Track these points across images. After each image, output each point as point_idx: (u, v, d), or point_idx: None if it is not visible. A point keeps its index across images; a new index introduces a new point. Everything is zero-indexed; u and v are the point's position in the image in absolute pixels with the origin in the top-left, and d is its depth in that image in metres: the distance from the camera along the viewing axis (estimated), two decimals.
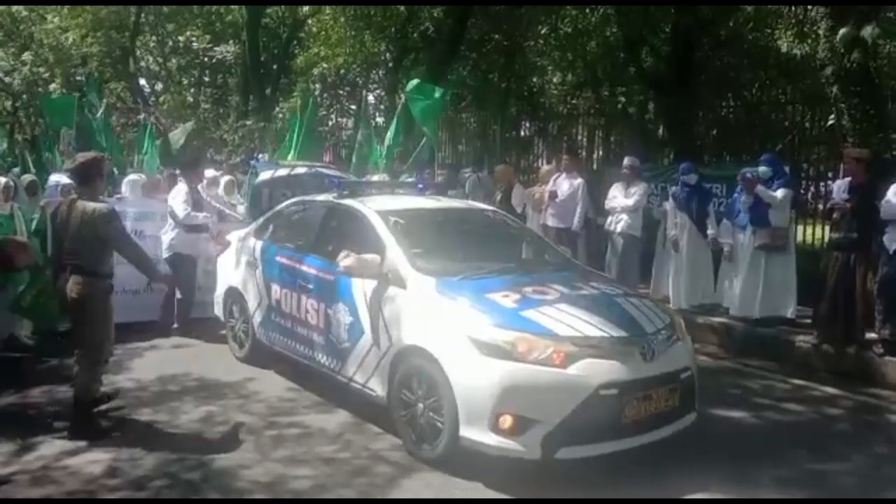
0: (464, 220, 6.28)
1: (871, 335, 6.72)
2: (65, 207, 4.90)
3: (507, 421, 4.06)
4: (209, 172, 8.70)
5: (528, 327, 4.25)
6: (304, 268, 5.67)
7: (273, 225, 6.58)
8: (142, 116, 18.20)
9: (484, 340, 4.19)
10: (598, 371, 4.12)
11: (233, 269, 6.72)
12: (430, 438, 4.41)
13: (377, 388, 4.88)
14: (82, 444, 4.65)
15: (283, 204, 6.83)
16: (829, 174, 10.59)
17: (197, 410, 5.36)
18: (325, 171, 8.98)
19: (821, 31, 7.91)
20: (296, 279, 5.73)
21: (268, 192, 8.44)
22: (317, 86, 19.78)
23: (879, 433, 5.36)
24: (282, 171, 8.68)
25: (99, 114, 10.81)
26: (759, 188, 7.54)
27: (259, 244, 6.41)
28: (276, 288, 5.99)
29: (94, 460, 4.42)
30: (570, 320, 4.34)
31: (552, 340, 4.17)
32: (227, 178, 9.39)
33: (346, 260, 4.89)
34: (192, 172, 7.75)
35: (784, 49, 11.77)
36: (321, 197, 6.40)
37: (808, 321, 7.33)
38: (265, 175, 8.68)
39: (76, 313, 4.86)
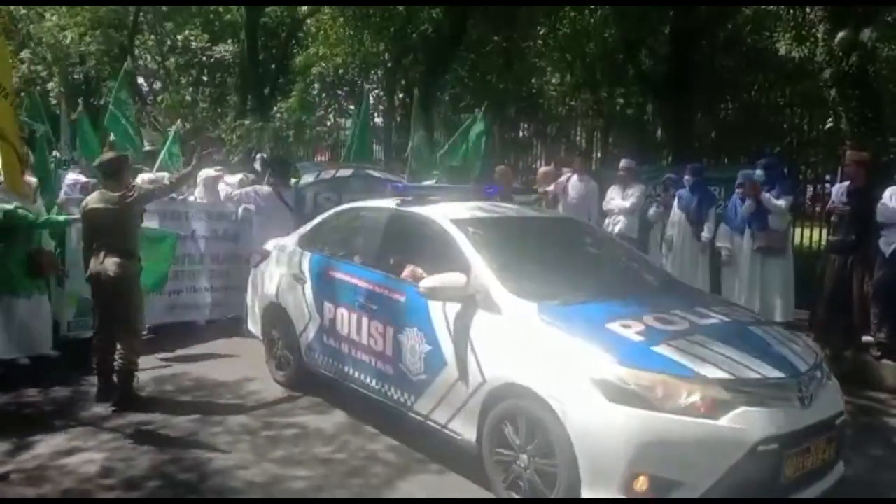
0: (547, 231, 5.50)
1: (868, 338, 6.72)
2: (95, 197, 5.39)
3: (643, 483, 3.39)
4: (206, 172, 8.26)
5: (665, 367, 3.53)
6: (366, 285, 4.96)
7: (322, 234, 5.91)
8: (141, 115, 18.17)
9: (612, 383, 3.48)
10: (755, 422, 3.42)
11: (273, 282, 5.98)
12: (537, 495, 3.76)
13: (462, 429, 4.19)
14: (78, 443, 4.65)
15: (334, 211, 6.14)
16: (827, 177, 10.62)
17: (193, 410, 5.34)
18: (373, 172, 8.44)
19: (819, 34, 7.91)
20: (355, 298, 5.02)
21: (311, 195, 7.88)
22: (315, 85, 19.75)
23: (877, 436, 5.36)
24: (326, 174, 8.13)
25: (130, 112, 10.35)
26: (764, 195, 7.51)
27: (306, 255, 5.71)
28: (329, 306, 5.29)
29: (89, 460, 4.42)
30: (714, 357, 3.63)
31: (698, 384, 3.46)
32: (236, 177, 8.95)
33: (428, 280, 4.25)
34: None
35: (783, 52, 11.75)
36: (381, 203, 5.62)
37: (806, 324, 7.33)
38: (308, 178, 8.11)
39: (115, 291, 5.24)
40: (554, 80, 19.41)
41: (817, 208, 10.15)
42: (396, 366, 4.65)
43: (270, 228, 7.02)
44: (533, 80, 18.58)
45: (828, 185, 9.93)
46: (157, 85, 24.39)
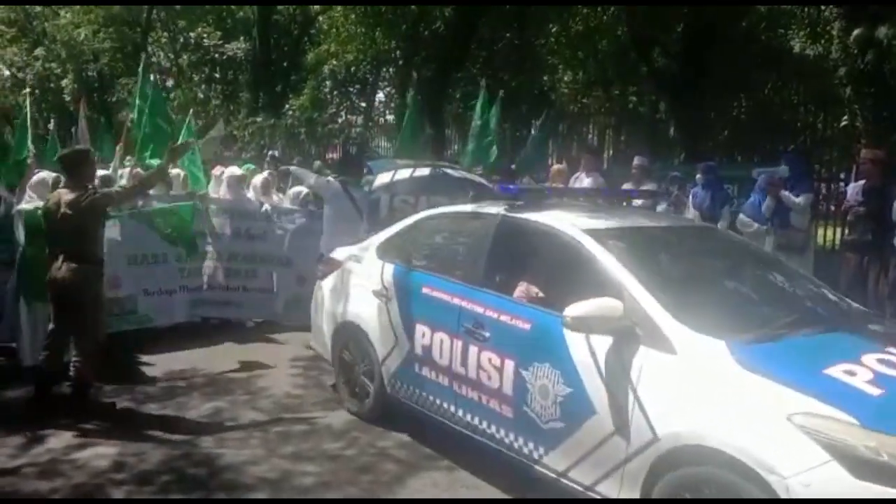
0: (692, 244, 4.60)
1: None
2: (53, 197, 5.07)
3: None
4: (232, 171, 8.02)
5: None
6: (474, 307, 4.17)
7: (408, 243, 5.09)
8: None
9: (857, 453, 2.70)
10: None
11: (347, 298, 5.22)
12: None
13: (617, 495, 3.41)
14: (90, 437, 4.67)
15: (422, 216, 5.25)
16: (842, 175, 10.53)
17: (204, 406, 5.36)
18: (451, 172, 7.58)
19: (834, 32, 7.86)
20: (459, 322, 4.22)
21: (387, 199, 7.03)
22: (327, 83, 19.79)
23: None
24: (402, 173, 7.21)
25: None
26: (783, 193, 7.42)
27: (389, 268, 4.93)
28: (422, 330, 4.50)
29: (101, 454, 4.44)
30: None
31: None
32: (261, 176, 8.47)
33: (576, 309, 3.43)
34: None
35: (797, 49, 11.71)
36: (484, 208, 4.75)
37: None
38: (384, 178, 7.18)
39: (70, 300, 4.95)
40: (566, 78, 19.37)
41: (832, 207, 10.06)
42: (519, 409, 3.85)
43: (337, 233, 6.58)
44: (545, 78, 18.55)
45: (842, 184, 9.86)
46: (170, 82, 24.50)
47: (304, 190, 7.91)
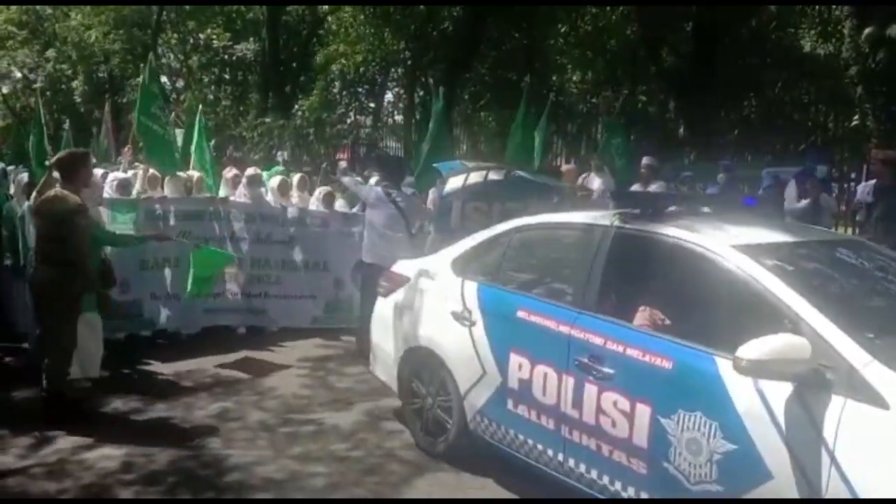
0: (868, 264, 3.75)
1: None
2: (47, 199, 4.98)
3: None
4: (250, 170, 7.85)
5: None
6: (592, 338, 3.50)
7: (496, 258, 4.41)
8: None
9: None
10: None
11: (420, 319, 4.60)
12: None
13: None
14: (98, 438, 4.68)
15: (509, 226, 4.51)
16: (853, 175, 10.47)
17: (212, 406, 5.37)
18: (526, 175, 6.98)
19: (845, 31, 7.81)
20: (569, 354, 3.57)
21: (458, 205, 6.48)
22: (336, 83, 19.83)
23: None
24: (475, 177, 6.55)
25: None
26: (824, 196, 7.33)
27: (471, 286, 4.32)
28: (518, 361, 3.86)
29: (109, 455, 4.45)
30: None
31: None
32: (277, 178, 8.14)
33: (751, 350, 2.75)
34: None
35: (807, 48, 11.64)
36: (589, 217, 4.09)
37: None
38: (455, 182, 6.50)
39: (42, 303, 4.94)
40: (575, 78, 19.34)
41: (842, 207, 10.01)
42: (657, 464, 3.21)
43: (381, 241, 6.38)
44: (554, 78, 18.52)
45: (853, 184, 9.79)
46: (180, 83, 24.61)
47: (326, 188, 7.82)
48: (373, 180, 8.03)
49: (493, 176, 6.53)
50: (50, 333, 4.99)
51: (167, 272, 6.83)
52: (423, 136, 10.53)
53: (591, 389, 3.47)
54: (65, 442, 4.62)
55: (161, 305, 6.82)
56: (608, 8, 15.18)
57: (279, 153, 16.62)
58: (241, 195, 7.53)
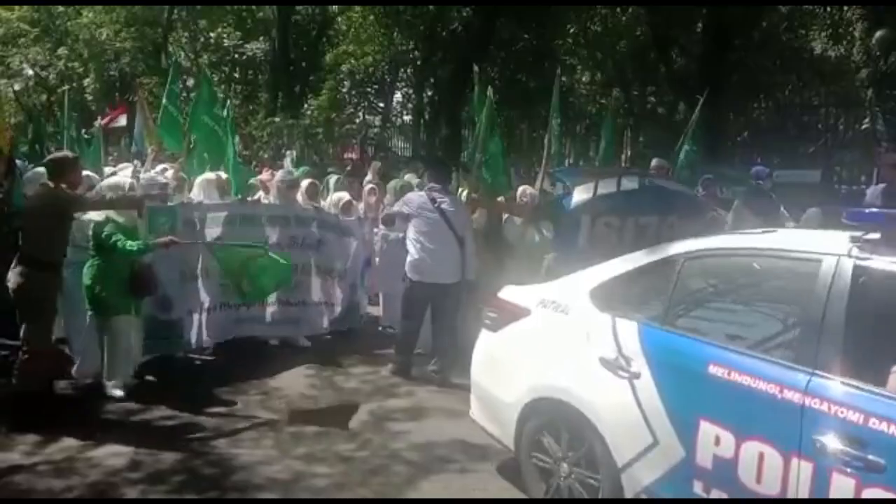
0: None
1: None
2: (35, 196, 5.07)
3: None
4: (280, 176, 7.47)
5: None
6: (844, 412, 2.69)
7: (661, 292, 3.51)
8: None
9: None
10: None
11: (548, 363, 3.75)
12: None
13: None
14: (106, 436, 4.70)
15: (677, 249, 3.58)
16: (863, 178, 10.41)
17: (219, 406, 5.39)
18: (665, 184, 6.15)
19: (856, 33, 7.78)
20: (803, 432, 2.77)
21: (589, 221, 5.26)
22: (345, 83, 19.88)
23: None
24: (605, 186, 5.41)
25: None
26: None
27: (631, 328, 3.44)
28: (715, 433, 3.02)
29: (116, 453, 4.46)
30: None
31: None
32: (307, 181, 7.72)
33: None
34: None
35: (818, 51, 11.58)
36: (811, 244, 3.21)
37: None
38: (582, 193, 5.36)
39: (15, 303, 4.93)
40: (584, 79, 19.31)
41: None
42: None
43: (427, 255, 5.92)
44: (563, 78, 18.50)
45: (863, 187, 9.74)
46: (190, 82, 24.72)
47: (345, 196, 7.58)
48: (408, 177, 7.74)
49: (626, 184, 5.44)
50: (25, 337, 4.90)
51: (200, 283, 6.34)
52: (435, 134, 10.53)
53: (843, 483, 2.64)
54: (72, 440, 4.62)
55: (198, 321, 6.33)
56: (618, 9, 15.14)
57: (288, 152, 16.66)
58: (273, 198, 7.23)
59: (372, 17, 17.28)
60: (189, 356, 6.51)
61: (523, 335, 3.99)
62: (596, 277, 3.83)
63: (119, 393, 5.31)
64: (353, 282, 7.37)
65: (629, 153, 15.52)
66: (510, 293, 4.24)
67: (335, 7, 19.79)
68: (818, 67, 13.19)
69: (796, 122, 12.65)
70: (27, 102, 25.13)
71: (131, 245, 5.12)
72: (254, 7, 21.42)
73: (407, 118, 21.80)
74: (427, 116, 18.33)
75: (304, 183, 7.54)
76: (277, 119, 16.86)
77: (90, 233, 5.24)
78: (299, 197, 7.27)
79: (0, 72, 23.26)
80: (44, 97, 25.36)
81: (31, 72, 23.85)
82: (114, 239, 5.09)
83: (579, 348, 3.63)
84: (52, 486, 4.07)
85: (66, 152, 5.87)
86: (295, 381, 6.00)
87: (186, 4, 21.20)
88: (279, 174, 7.59)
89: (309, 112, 17.46)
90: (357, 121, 19.68)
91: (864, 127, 8.92)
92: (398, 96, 23.03)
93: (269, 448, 4.66)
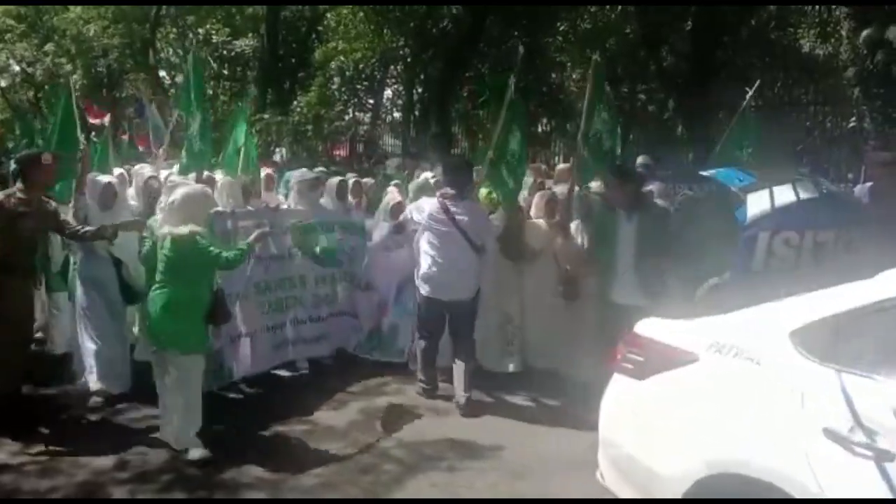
0: None
1: None
2: (29, 201, 4.85)
3: None
4: (301, 174, 6.63)
5: None
6: None
7: None
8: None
9: None
10: None
11: (735, 429, 2.84)
12: None
13: None
14: (93, 436, 4.69)
15: None
16: (850, 175, 10.47)
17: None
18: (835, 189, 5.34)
19: (844, 32, 7.81)
20: None
21: (767, 237, 4.35)
22: (335, 80, 19.83)
23: None
24: (782, 194, 4.39)
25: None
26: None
27: (875, 389, 2.55)
28: None
29: (103, 453, 4.43)
30: None
31: None
32: (336, 179, 6.80)
33: None
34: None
35: (806, 49, 11.63)
36: None
37: None
38: (758, 202, 4.38)
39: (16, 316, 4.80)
40: (574, 76, 19.33)
41: None
42: None
43: (438, 271, 5.34)
44: (553, 76, 18.51)
45: (850, 185, 9.80)
46: (179, 78, 24.59)
47: (396, 196, 6.56)
48: (426, 174, 7.10)
49: (802, 192, 4.48)
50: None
51: (240, 306, 5.61)
52: (425, 131, 10.37)
53: None
54: (59, 440, 4.61)
55: (237, 349, 5.68)
56: (607, 7, 15.18)
57: (277, 150, 16.61)
58: (294, 204, 6.31)
59: (361, 14, 17.24)
60: None
61: (689, 389, 3.04)
62: (799, 315, 2.86)
63: (205, 453, 4.35)
64: (382, 299, 6.36)
65: (619, 150, 15.55)
66: (659, 330, 3.27)
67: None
68: (806, 65, 13.27)
69: (785, 120, 12.71)
70: (13, 99, 24.93)
71: (237, 253, 4.46)
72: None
73: (397, 115, 21.76)
74: (417, 113, 18.32)
75: (333, 182, 6.64)
76: (266, 116, 16.79)
77: (166, 252, 4.31)
78: (325, 198, 6.44)
79: None
80: (31, 93, 25.17)
81: (17, 68, 23.65)
82: (224, 255, 4.37)
83: (787, 412, 2.69)
84: (38, 486, 4.05)
85: (31, 151, 5.65)
86: (283, 382, 5.95)
87: (178, 4, 21.08)
88: (296, 174, 6.73)
89: (298, 109, 17.40)
90: (346, 118, 19.63)
91: (851, 125, 8.98)
92: (388, 93, 22.99)
93: (259, 448, 4.63)
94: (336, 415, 5.22)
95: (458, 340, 5.52)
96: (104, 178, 5.66)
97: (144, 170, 6.73)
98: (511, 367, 6.08)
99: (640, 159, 8.71)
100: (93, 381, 5.22)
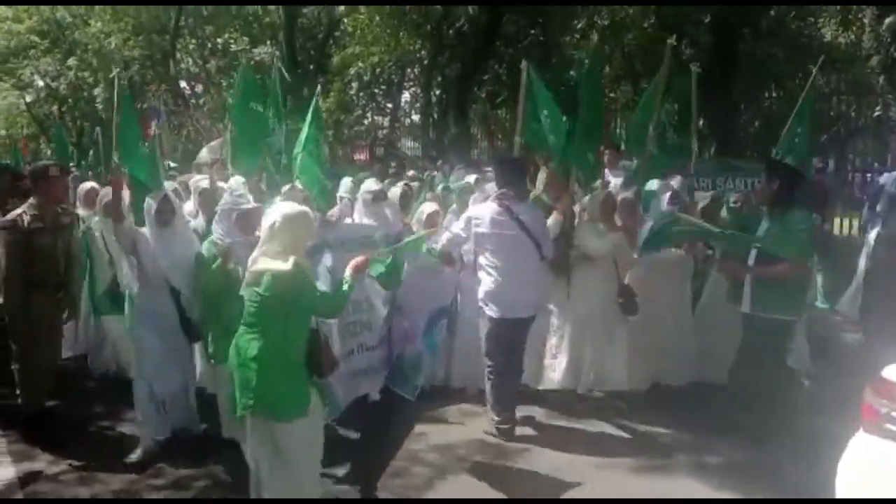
0: None
1: None
2: (56, 213, 4.96)
3: None
4: (368, 185, 5.77)
5: None
6: None
7: None
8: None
9: None
10: None
11: None
12: None
13: None
14: (128, 446, 4.74)
15: None
16: (875, 165, 10.34)
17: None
18: None
19: (866, 20, 7.71)
20: None
21: None
22: (353, 85, 19.93)
23: None
24: None
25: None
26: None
27: None
28: None
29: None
30: None
31: None
32: (400, 184, 6.33)
33: None
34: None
35: (828, 38, 11.48)
36: None
37: None
38: None
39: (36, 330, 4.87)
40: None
41: (865, 197, 9.89)
42: None
43: (509, 285, 4.67)
44: (571, 73, 18.44)
45: (876, 174, 9.68)
46: (199, 88, 24.83)
47: (432, 205, 5.81)
48: (460, 174, 6.45)
49: None
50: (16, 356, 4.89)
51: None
52: (444, 133, 10.33)
53: None
54: (95, 449, 4.68)
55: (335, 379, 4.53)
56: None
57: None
58: (360, 216, 5.66)
59: (378, 18, 17.31)
60: None
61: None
62: None
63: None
64: (410, 325, 5.19)
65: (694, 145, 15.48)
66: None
67: (341, 8, 19.83)
68: (829, 55, 13.11)
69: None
70: (38, 113, 25.34)
71: (341, 295, 3.68)
72: (260, 11, 21.52)
73: (415, 118, 21.81)
74: (436, 115, 18.36)
75: (397, 190, 6.04)
76: (288, 123, 16.92)
77: (262, 292, 3.33)
78: (388, 211, 5.70)
79: (12, 84, 23.48)
80: (55, 108, 25.56)
81: (41, 83, 24.04)
82: (327, 299, 3.71)
83: None
84: (78, 494, 4.12)
85: (44, 162, 5.56)
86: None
87: (195, 4, 21.27)
88: (364, 185, 5.84)
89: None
90: (366, 122, 19.73)
91: (876, 114, 8.86)
92: (406, 96, 23.07)
93: None
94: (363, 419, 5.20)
95: (510, 359, 4.87)
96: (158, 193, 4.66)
97: (202, 182, 5.81)
98: (555, 384, 5.43)
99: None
100: (143, 437, 4.65)
